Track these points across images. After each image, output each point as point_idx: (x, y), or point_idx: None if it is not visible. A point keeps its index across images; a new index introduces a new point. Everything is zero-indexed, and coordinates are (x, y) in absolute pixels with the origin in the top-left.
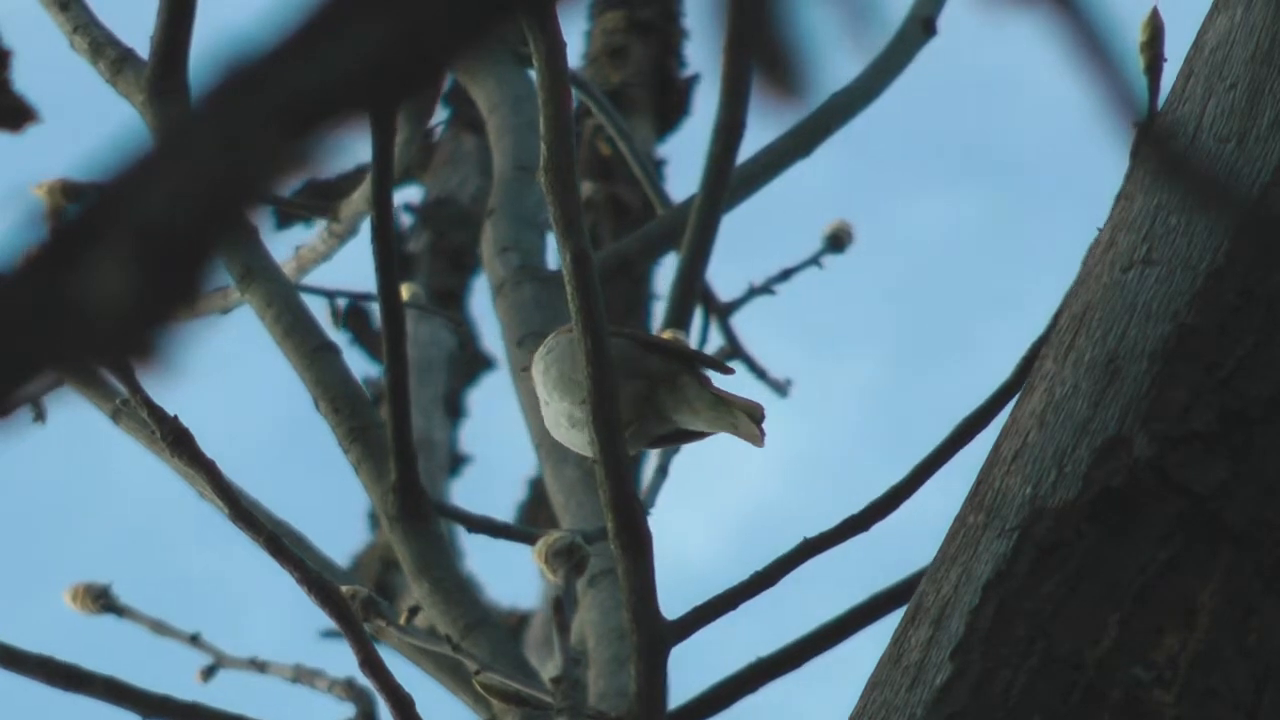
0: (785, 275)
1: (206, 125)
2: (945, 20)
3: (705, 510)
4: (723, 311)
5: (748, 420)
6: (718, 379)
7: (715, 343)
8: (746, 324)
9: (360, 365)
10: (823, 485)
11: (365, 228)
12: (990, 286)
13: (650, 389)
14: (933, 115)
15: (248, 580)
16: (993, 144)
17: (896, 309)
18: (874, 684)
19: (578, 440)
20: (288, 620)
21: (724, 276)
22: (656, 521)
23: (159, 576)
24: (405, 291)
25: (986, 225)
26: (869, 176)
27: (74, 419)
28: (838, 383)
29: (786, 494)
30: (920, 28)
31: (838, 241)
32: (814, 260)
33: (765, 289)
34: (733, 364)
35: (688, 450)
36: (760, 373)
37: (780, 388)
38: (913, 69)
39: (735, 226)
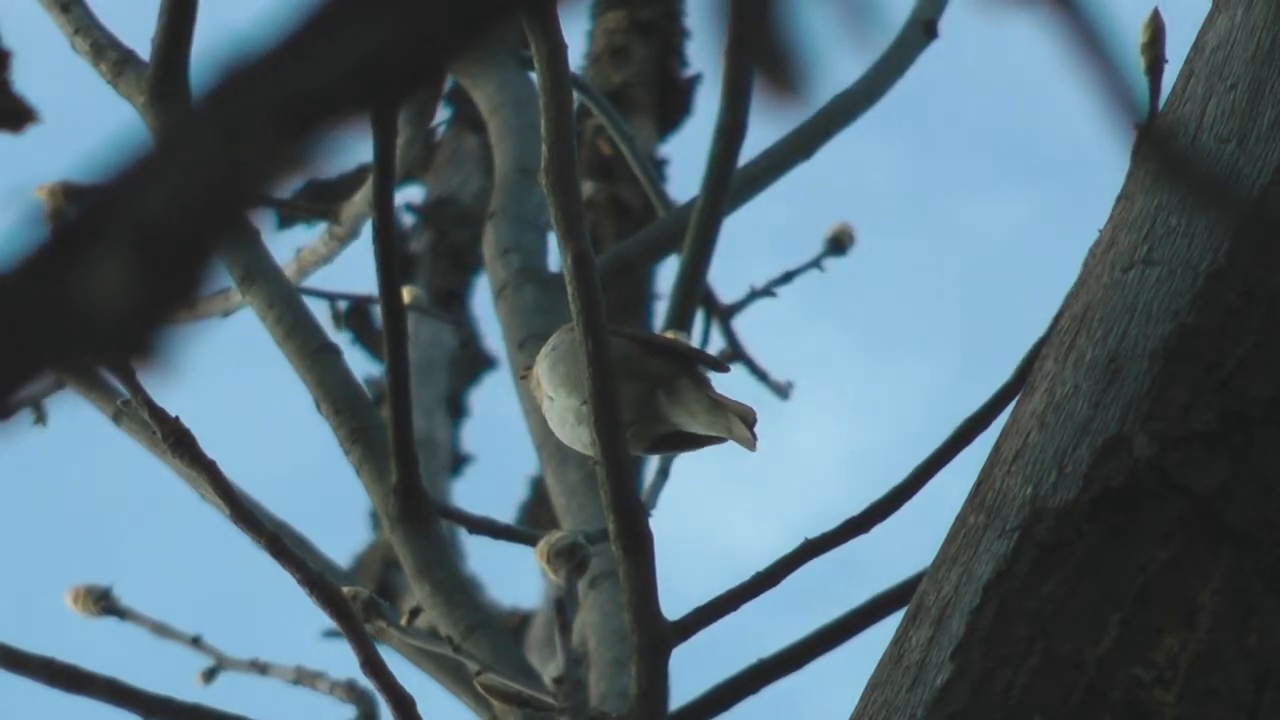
0: (787, 278)
1: (206, 125)
2: (946, 22)
3: (768, 509)
4: (724, 314)
5: (741, 424)
6: (719, 381)
7: (717, 345)
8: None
9: (361, 364)
10: (885, 485)
11: (367, 230)
12: (1052, 285)
13: (649, 390)
14: (989, 113)
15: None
16: (1050, 142)
17: (961, 308)
18: (874, 684)
19: (582, 437)
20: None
21: (725, 278)
22: (658, 522)
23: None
24: (407, 294)
25: (1049, 224)
26: (930, 174)
27: (75, 421)
28: (901, 382)
29: (849, 493)
30: (921, 30)
31: (839, 244)
32: (815, 263)
33: (767, 291)
34: (734, 366)
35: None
36: (762, 375)
37: (782, 390)
38: (958, 69)
39: (736, 228)
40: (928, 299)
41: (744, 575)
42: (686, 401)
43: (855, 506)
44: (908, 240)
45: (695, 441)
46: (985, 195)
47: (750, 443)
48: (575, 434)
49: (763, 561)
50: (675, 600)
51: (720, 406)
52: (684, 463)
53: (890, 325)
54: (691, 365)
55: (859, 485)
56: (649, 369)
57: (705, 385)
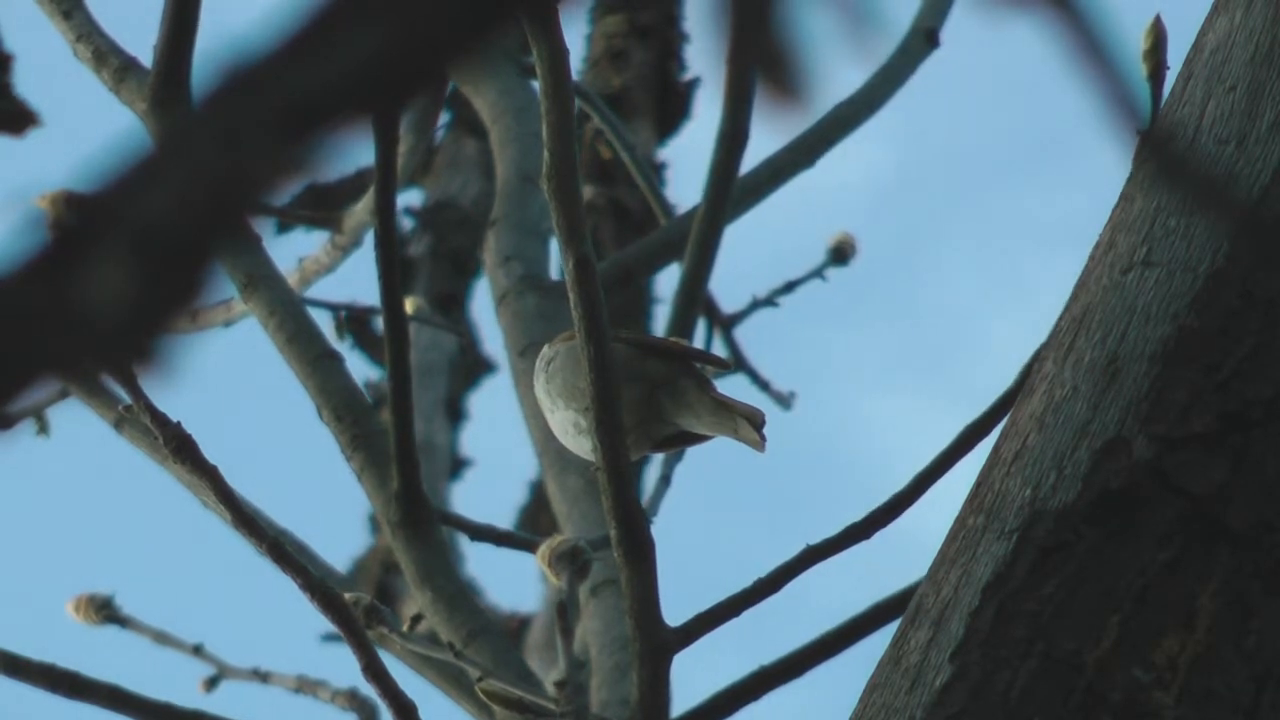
0: (789, 287)
1: (207, 128)
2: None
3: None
4: (726, 323)
5: (748, 425)
6: (725, 384)
7: (717, 353)
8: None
9: (361, 369)
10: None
11: (368, 238)
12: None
13: (650, 392)
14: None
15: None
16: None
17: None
18: (874, 686)
19: (584, 447)
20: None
21: (727, 288)
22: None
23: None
24: (410, 305)
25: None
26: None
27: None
28: None
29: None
30: (923, 39)
31: (841, 254)
32: (818, 273)
33: (768, 301)
34: (735, 376)
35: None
36: (764, 385)
37: (784, 400)
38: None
39: (738, 238)
40: None
41: (746, 581)
42: (691, 403)
43: None
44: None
45: (701, 436)
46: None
47: (759, 444)
48: (578, 443)
49: (764, 568)
50: (676, 606)
51: (726, 408)
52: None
53: None
54: (689, 364)
55: None
56: (648, 370)
57: (708, 386)
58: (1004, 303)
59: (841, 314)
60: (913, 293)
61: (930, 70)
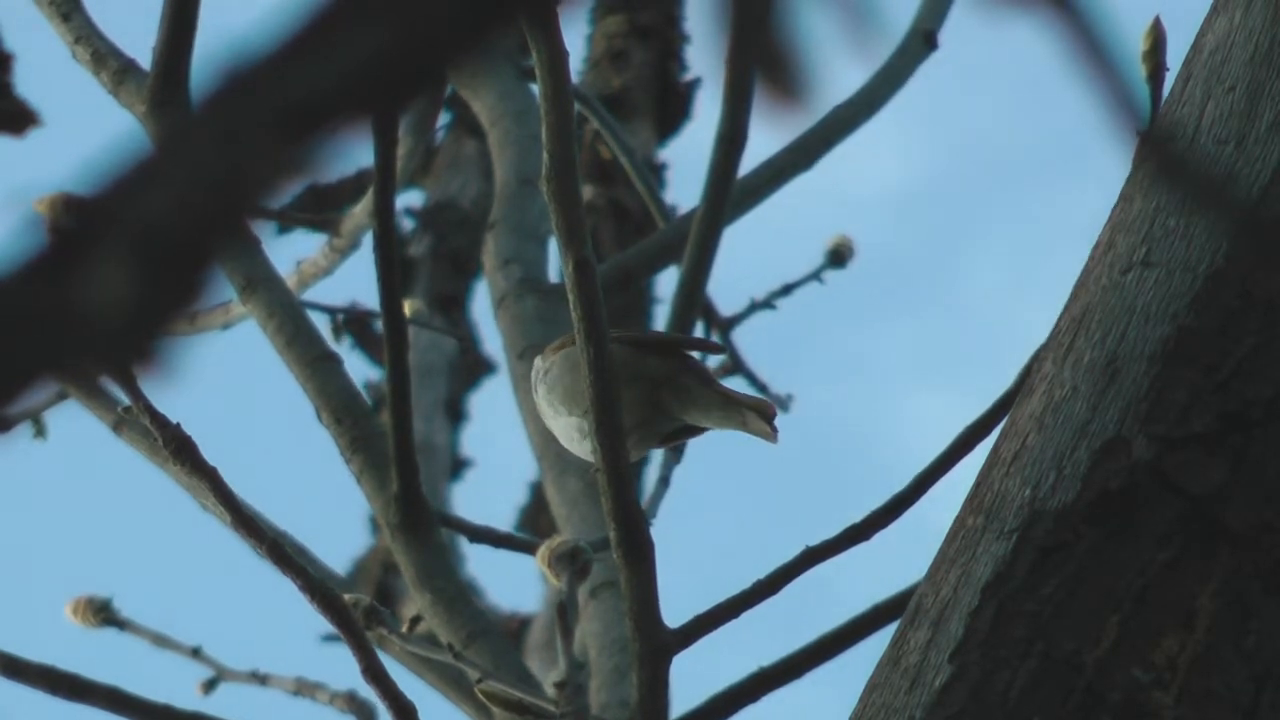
0: (787, 290)
1: (207, 130)
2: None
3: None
4: (724, 325)
5: (757, 418)
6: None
7: (715, 357)
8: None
9: (361, 370)
10: None
11: (367, 240)
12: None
13: (653, 390)
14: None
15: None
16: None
17: None
18: (873, 686)
19: (587, 451)
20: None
21: (725, 290)
22: (659, 530)
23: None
24: (409, 307)
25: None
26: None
27: (76, 431)
28: None
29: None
30: (922, 40)
31: (839, 256)
32: (816, 275)
33: (767, 304)
34: (734, 380)
35: None
36: (762, 387)
37: (782, 403)
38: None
39: (737, 240)
40: None
41: (745, 583)
42: (697, 399)
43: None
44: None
45: (703, 429)
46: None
47: (770, 435)
48: (583, 448)
49: (763, 569)
50: (676, 608)
51: (733, 402)
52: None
53: None
54: (686, 356)
55: None
56: (648, 369)
57: (711, 380)
58: (1039, 299)
59: (875, 313)
60: (946, 291)
61: (964, 66)
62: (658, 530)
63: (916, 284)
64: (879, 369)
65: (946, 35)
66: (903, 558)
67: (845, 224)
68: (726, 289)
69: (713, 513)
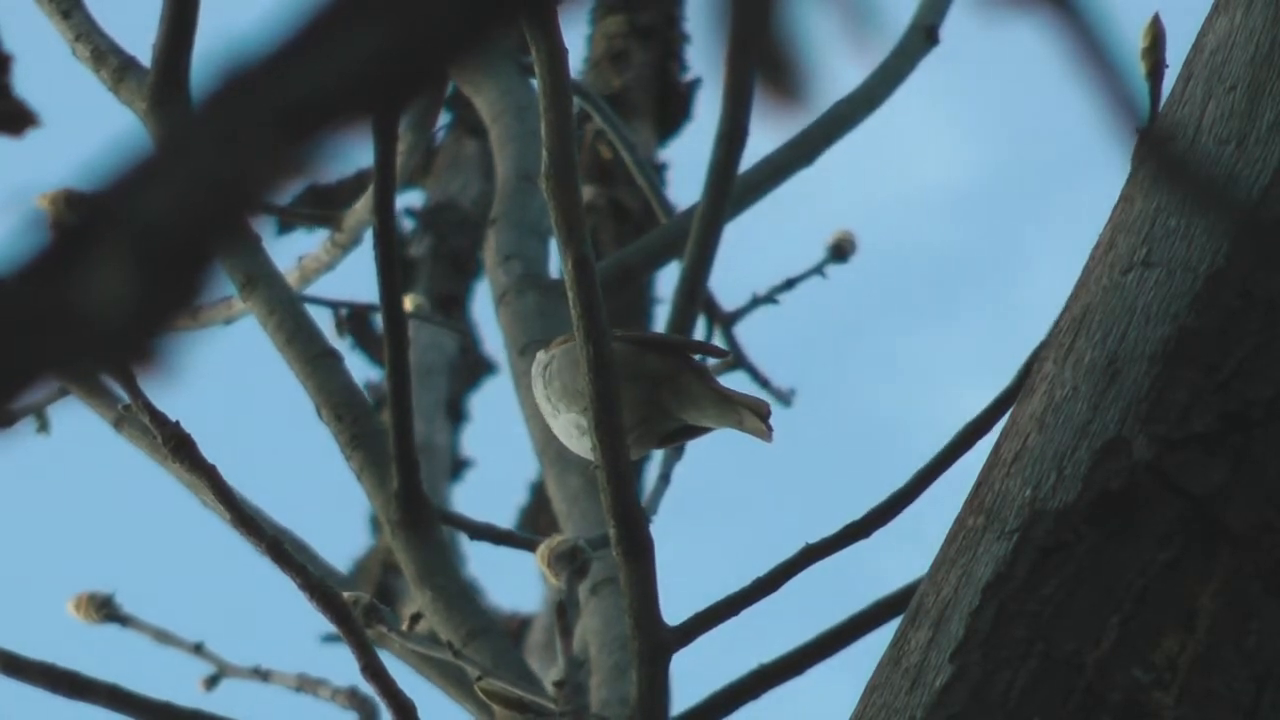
0: (789, 285)
1: (207, 128)
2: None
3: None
4: (726, 321)
5: (753, 417)
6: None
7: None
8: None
9: (361, 369)
10: None
11: (368, 237)
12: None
13: (652, 389)
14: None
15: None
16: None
17: None
18: (874, 686)
19: (588, 449)
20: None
21: (727, 285)
22: (659, 527)
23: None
24: (409, 303)
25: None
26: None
27: (77, 428)
28: None
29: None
30: (922, 36)
31: (840, 251)
32: (818, 269)
33: (769, 298)
34: (735, 374)
35: None
36: (764, 382)
37: (784, 397)
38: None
39: (738, 235)
40: None
41: (745, 580)
42: (694, 397)
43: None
44: None
45: (703, 430)
46: None
47: (765, 434)
48: (581, 445)
49: (764, 566)
50: (676, 605)
51: (729, 400)
52: (685, 468)
53: None
54: (688, 357)
55: None
56: (647, 367)
57: (709, 379)
58: None
59: (933, 312)
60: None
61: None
62: (658, 527)
63: (976, 282)
64: (930, 367)
65: (948, 31)
66: (903, 557)
67: (899, 222)
68: (728, 284)
69: (713, 512)
